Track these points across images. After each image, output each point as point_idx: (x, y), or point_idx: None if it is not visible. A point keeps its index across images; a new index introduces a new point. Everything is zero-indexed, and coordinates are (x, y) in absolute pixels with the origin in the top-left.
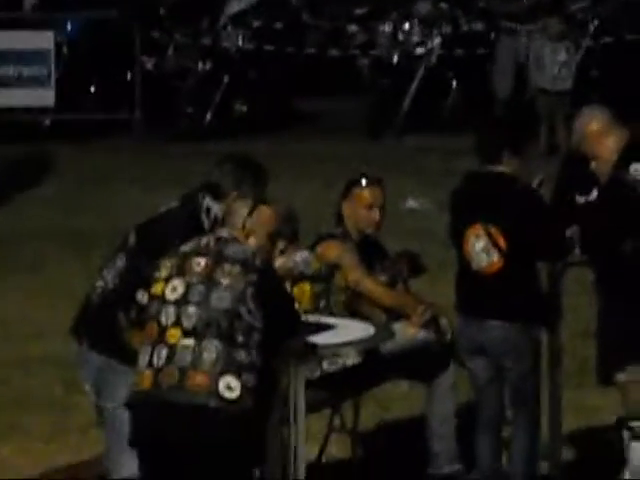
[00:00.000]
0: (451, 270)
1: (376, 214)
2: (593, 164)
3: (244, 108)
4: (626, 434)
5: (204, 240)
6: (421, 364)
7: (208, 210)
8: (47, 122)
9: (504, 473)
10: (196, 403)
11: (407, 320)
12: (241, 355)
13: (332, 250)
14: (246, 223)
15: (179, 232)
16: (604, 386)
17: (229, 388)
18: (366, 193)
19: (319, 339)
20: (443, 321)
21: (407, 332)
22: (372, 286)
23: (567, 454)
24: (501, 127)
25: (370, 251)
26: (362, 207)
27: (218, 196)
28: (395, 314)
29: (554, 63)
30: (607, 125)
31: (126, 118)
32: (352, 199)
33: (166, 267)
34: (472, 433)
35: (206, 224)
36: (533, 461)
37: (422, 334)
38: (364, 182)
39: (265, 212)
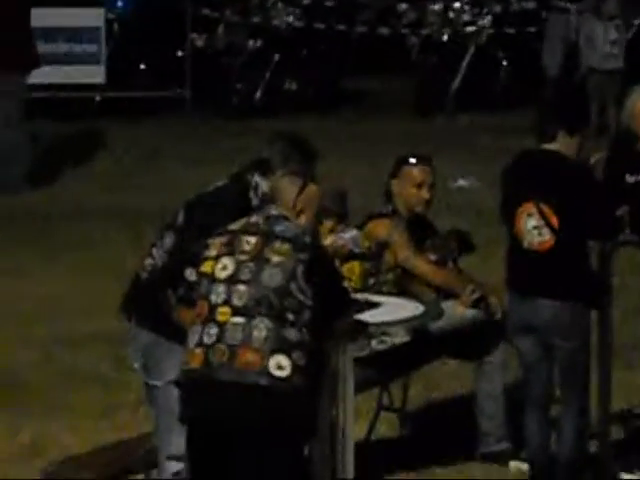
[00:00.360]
0: (501, 248)
1: (425, 192)
2: None
3: (294, 86)
4: None
5: (253, 218)
6: (470, 343)
7: (256, 187)
8: (98, 99)
9: (553, 452)
10: (246, 381)
11: (456, 299)
12: (291, 333)
13: (382, 228)
14: (296, 202)
15: (227, 210)
16: None
17: (279, 367)
18: (415, 171)
19: (368, 317)
20: (493, 300)
21: (456, 311)
22: (421, 264)
23: (617, 433)
24: (558, 106)
25: (420, 229)
26: (411, 185)
27: (267, 173)
28: (444, 293)
29: (605, 42)
30: None
31: (176, 95)
32: (401, 177)
33: (215, 245)
34: (521, 412)
35: (254, 201)
36: (582, 440)
37: (471, 313)
38: (413, 160)
39: (314, 190)
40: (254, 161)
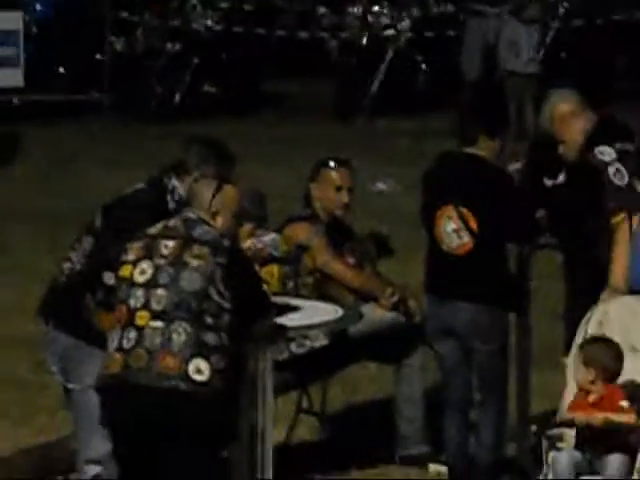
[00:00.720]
0: (420, 251)
1: (344, 196)
2: (560, 147)
3: (213, 89)
4: (544, 443)
5: (171, 222)
6: (389, 346)
7: (173, 191)
8: (16, 102)
9: (471, 455)
10: (166, 386)
11: (375, 302)
12: (210, 337)
13: (301, 232)
14: (212, 204)
15: (145, 214)
16: None
17: (198, 371)
18: (334, 175)
19: (287, 321)
20: (412, 303)
21: (375, 314)
22: (340, 268)
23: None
24: (478, 110)
25: (338, 233)
26: (331, 189)
27: (182, 176)
28: (363, 296)
29: (529, 46)
30: (574, 108)
31: (95, 99)
32: (321, 181)
33: (134, 250)
34: (440, 415)
35: (171, 205)
36: (500, 443)
37: (390, 315)
38: (332, 164)
39: (230, 192)
40: (171, 164)
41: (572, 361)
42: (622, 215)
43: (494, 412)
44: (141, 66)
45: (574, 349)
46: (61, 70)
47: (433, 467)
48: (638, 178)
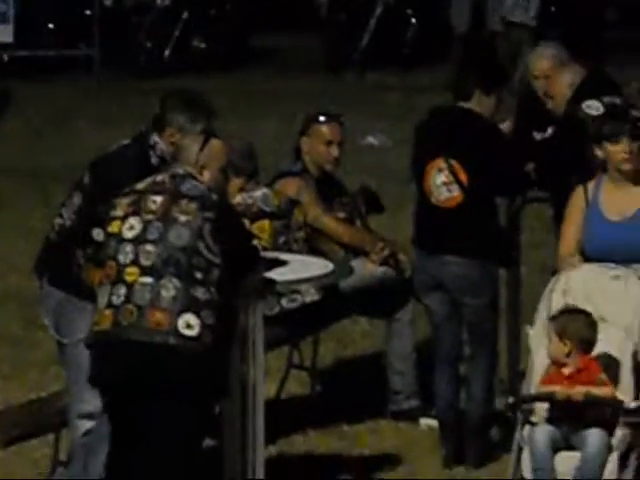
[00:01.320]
0: (409, 206)
1: (334, 150)
2: (548, 102)
3: (203, 44)
4: (520, 416)
5: (159, 177)
6: (380, 300)
7: (154, 146)
8: (6, 58)
9: (462, 409)
10: (156, 341)
11: (366, 256)
12: (200, 292)
13: (290, 186)
14: (199, 158)
15: (129, 170)
16: None
17: (188, 326)
18: (325, 129)
19: (277, 275)
20: (402, 257)
21: (366, 268)
22: (330, 223)
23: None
24: (475, 65)
25: (328, 187)
26: (321, 143)
27: (162, 132)
28: (354, 250)
29: None
30: (553, 64)
31: (85, 54)
32: (311, 135)
33: (122, 206)
34: (431, 369)
35: (153, 160)
36: (491, 397)
37: (381, 270)
38: (323, 118)
39: (216, 145)
40: (152, 120)
41: (538, 333)
42: (579, 187)
43: (484, 366)
44: (130, 21)
45: (539, 320)
46: (51, 26)
47: (424, 421)
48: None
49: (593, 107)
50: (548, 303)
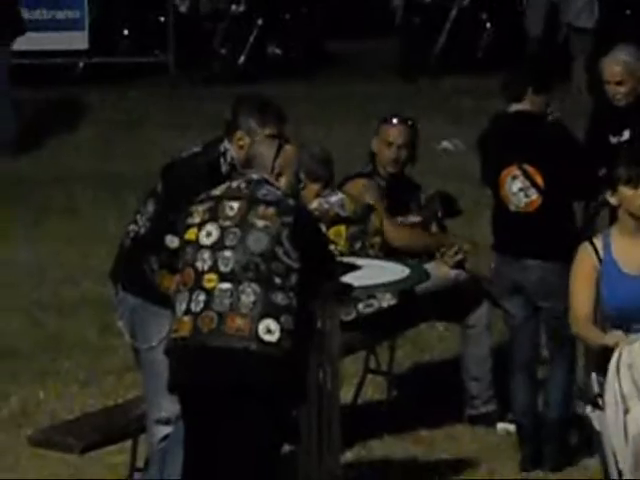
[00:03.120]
0: (486, 210)
1: (393, 152)
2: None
3: (278, 50)
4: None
5: (235, 183)
6: (454, 304)
7: (225, 153)
8: (81, 65)
9: (540, 413)
10: (236, 347)
11: (440, 259)
12: (279, 297)
13: (355, 187)
14: (274, 165)
15: (200, 177)
16: None
17: (269, 331)
18: (388, 130)
19: (355, 280)
20: (476, 260)
21: (440, 271)
22: (388, 226)
23: None
24: (525, 65)
25: (403, 190)
26: (383, 144)
27: (232, 137)
28: (428, 254)
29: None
30: (632, 68)
31: (160, 61)
32: (378, 136)
33: (198, 212)
34: (508, 373)
35: (224, 168)
36: (569, 401)
37: (454, 273)
38: (389, 119)
39: (291, 151)
40: (225, 126)
41: (611, 413)
42: (584, 244)
43: (562, 370)
44: (205, 28)
45: (609, 399)
46: (125, 32)
47: (501, 426)
48: None
49: None
50: (616, 380)
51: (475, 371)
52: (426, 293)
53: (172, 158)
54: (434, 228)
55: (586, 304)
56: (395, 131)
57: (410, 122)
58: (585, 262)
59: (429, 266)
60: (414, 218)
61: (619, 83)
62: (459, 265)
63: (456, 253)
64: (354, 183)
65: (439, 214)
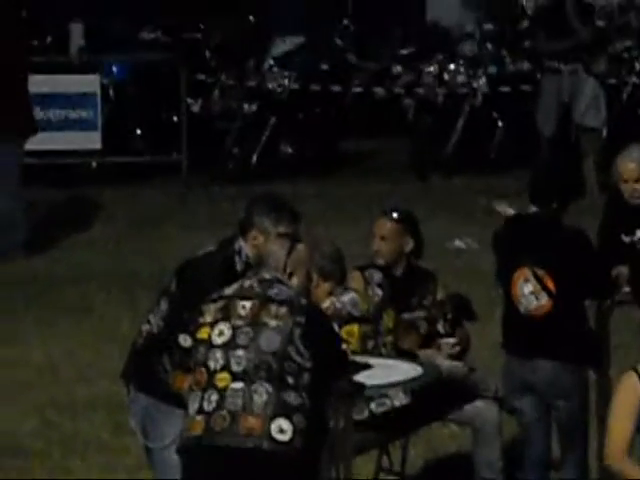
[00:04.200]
0: (498, 309)
1: (375, 243)
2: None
3: (290, 149)
4: None
5: (247, 282)
6: (448, 397)
7: (240, 252)
8: (94, 165)
9: None
10: (249, 446)
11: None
12: (291, 397)
13: (351, 280)
14: (287, 264)
15: (215, 276)
16: None
17: (281, 431)
18: (376, 223)
19: (367, 379)
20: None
21: (437, 360)
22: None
23: None
24: (553, 178)
25: (409, 285)
26: (372, 237)
27: (248, 237)
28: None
29: (587, 97)
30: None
31: (173, 160)
32: None
33: (210, 312)
34: (520, 473)
35: (239, 266)
36: None
37: (448, 364)
38: (381, 213)
39: (302, 250)
40: (238, 225)
41: None
42: (629, 372)
43: (575, 471)
44: (217, 127)
45: None
46: (138, 132)
47: None
48: None
49: None
50: None
51: (486, 473)
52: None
53: (187, 257)
54: (440, 327)
55: (625, 437)
56: (380, 223)
57: (397, 215)
58: (629, 392)
59: (424, 353)
60: (420, 313)
61: (637, 181)
62: (456, 357)
63: (454, 345)
64: (352, 274)
65: (449, 314)
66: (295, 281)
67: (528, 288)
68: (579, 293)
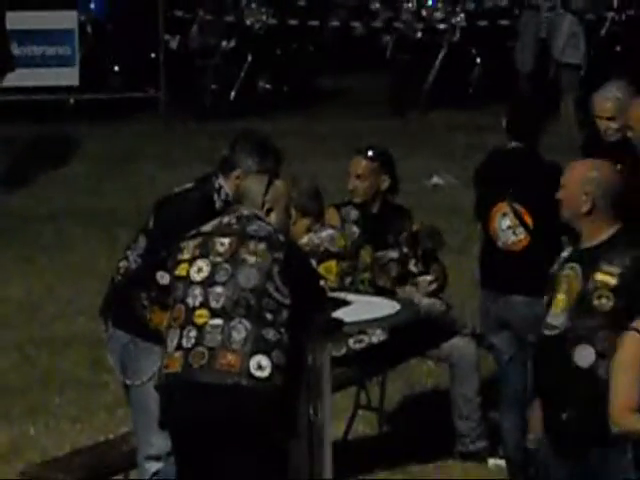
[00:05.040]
0: (476, 245)
1: (350, 182)
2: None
3: (268, 85)
4: None
5: (225, 219)
6: (427, 334)
7: (219, 189)
8: (72, 102)
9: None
10: (227, 383)
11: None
12: (270, 333)
13: (326, 217)
14: (265, 200)
15: (193, 213)
16: None
17: (260, 367)
18: (352, 161)
19: (345, 316)
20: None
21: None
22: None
23: None
24: (530, 106)
25: (384, 223)
26: (348, 176)
27: (229, 174)
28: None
29: (565, 34)
30: (624, 105)
31: (151, 97)
32: None
33: (188, 249)
34: (497, 409)
35: (218, 204)
36: None
37: (427, 302)
38: (356, 152)
39: (281, 187)
40: (218, 163)
41: None
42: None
43: None
44: (196, 63)
45: None
46: (116, 68)
47: (492, 461)
48: None
49: None
50: None
51: (463, 410)
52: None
53: (165, 194)
54: (412, 266)
55: (630, 396)
56: (354, 162)
57: (372, 153)
58: (632, 350)
59: (401, 290)
60: (393, 254)
61: (611, 119)
62: (433, 294)
63: (430, 283)
64: (329, 210)
65: (419, 252)
66: (273, 217)
67: (506, 223)
68: (556, 229)
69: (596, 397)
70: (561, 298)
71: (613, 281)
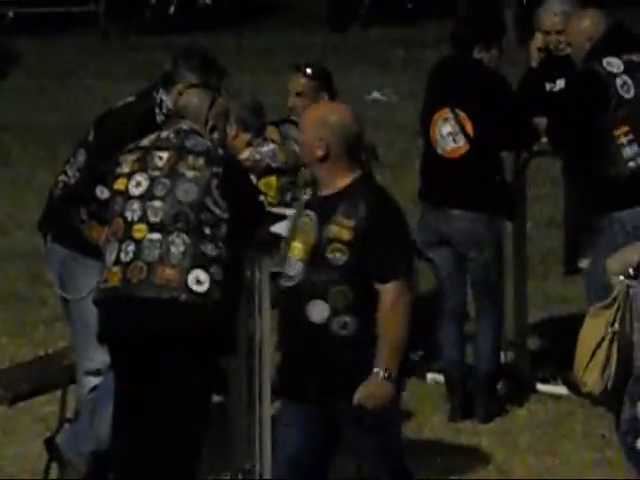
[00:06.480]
0: (415, 160)
1: (290, 100)
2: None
3: (208, 0)
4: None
5: (164, 133)
6: None
7: (161, 103)
8: (10, 15)
9: (468, 364)
10: (166, 297)
11: None
12: (209, 248)
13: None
14: (208, 117)
15: (134, 127)
16: (571, 275)
17: (198, 281)
18: (291, 79)
19: (284, 231)
20: None
21: None
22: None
23: (532, 344)
24: (473, 20)
25: None
26: (287, 93)
27: (171, 89)
28: None
29: None
30: (567, 18)
31: (90, 10)
32: None
33: (127, 162)
34: (436, 324)
35: (159, 118)
36: (497, 352)
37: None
38: (295, 68)
39: (224, 104)
40: (160, 77)
41: None
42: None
43: (490, 321)
44: None
45: None
46: None
47: (431, 376)
48: None
49: (614, 64)
50: None
51: None
52: None
53: (105, 108)
54: None
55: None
56: (292, 80)
57: (311, 71)
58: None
59: None
60: None
61: (560, 32)
62: None
63: None
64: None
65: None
66: (217, 135)
67: (447, 129)
68: (497, 139)
69: (331, 353)
70: (298, 247)
71: (347, 235)
